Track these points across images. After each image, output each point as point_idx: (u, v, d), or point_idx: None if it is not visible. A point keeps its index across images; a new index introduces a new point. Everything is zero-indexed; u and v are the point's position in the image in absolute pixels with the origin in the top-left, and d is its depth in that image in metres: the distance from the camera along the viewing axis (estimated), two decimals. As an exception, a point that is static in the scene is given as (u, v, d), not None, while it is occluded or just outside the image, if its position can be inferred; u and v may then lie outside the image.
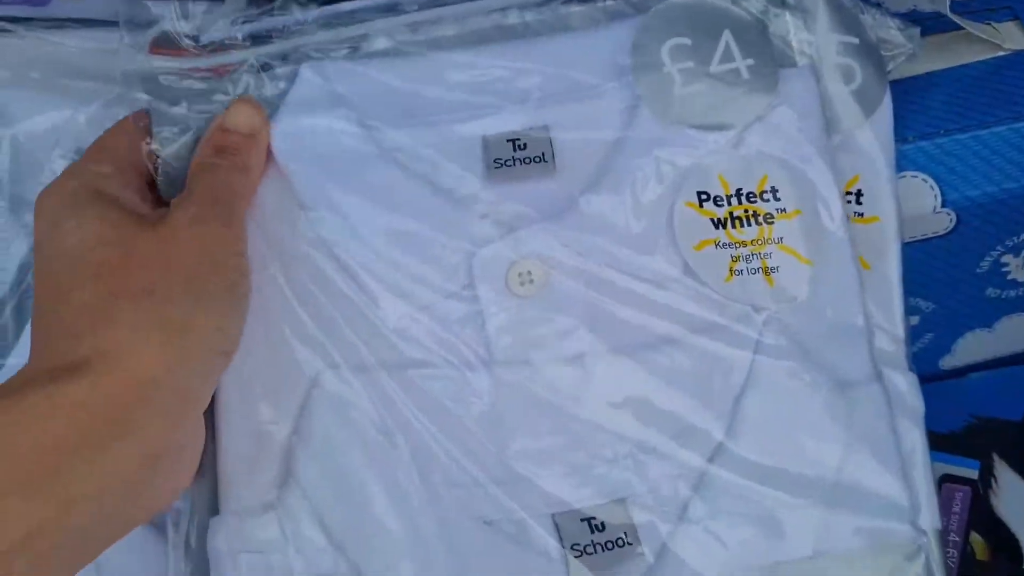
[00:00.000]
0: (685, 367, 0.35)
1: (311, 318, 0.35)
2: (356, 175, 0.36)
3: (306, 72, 0.37)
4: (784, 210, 0.36)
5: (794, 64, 0.38)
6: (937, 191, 0.42)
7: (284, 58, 0.37)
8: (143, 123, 0.36)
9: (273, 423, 0.35)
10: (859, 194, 0.38)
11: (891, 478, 0.35)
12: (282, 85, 0.37)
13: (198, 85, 0.37)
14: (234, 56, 0.37)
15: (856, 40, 0.39)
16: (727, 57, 0.37)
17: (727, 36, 0.37)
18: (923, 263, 0.45)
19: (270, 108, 0.37)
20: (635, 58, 0.37)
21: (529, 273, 0.35)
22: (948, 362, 0.51)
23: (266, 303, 0.35)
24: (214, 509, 0.35)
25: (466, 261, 0.36)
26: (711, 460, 0.35)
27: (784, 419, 0.35)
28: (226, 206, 0.34)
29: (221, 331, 0.32)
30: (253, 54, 0.37)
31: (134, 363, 0.29)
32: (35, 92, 0.41)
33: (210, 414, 0.35)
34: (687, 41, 0.37)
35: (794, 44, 0.38)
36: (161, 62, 0.37)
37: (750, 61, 0.37)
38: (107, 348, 0.29)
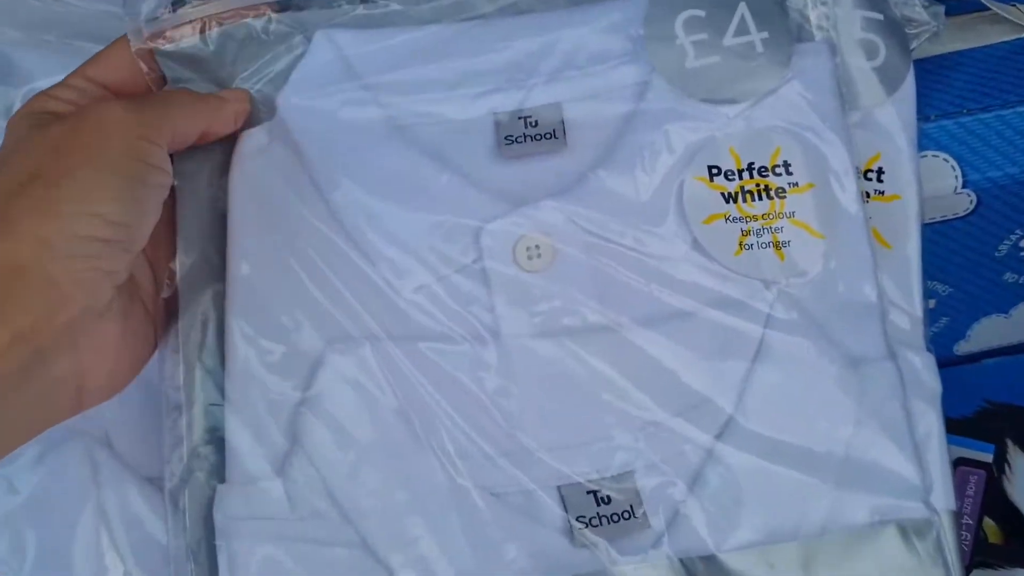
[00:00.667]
0: (694, 341, 0.35)
1: (320, 290, 0.35)
2: (367, 149, 0.36)
3: (320, 40, 0.37)
4: (796, 184, 0.36)
5: (811, 38, 0.38)
6: (958, 171, 0.42)
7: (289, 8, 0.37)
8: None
9: (281, 393, 0.35)
10: (880, 172, 0.38)
11: (902, 456, 0.35)
12: (298, 53, 0.37)
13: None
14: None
15: (880, 16, 0.39)
16: (742, 30, 0.37)
17: (742, 8, 0.37)
18: (941, 245, 0.45)
19: (282, 78, 0.37)
20: (648, 29, 0.37)
21: (537, 247, 0.35)
22: (963, 347, 0.51)
23: (276, 275, 0.35)
24: (221, 477, 0.35)
25: (475, 236, 0.36)
26: (720, 434, 0.35)
27: (794, 394, 0.35)
28: (154, 109, 0.34)
29: (97, 217, 0.31)
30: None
31: (4, 249, 0.29)
32: (47, 53, 0.41)
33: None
34: (701, 13, 0.37)
35: (812, 18, 0.38)
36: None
37: (765, 34, 0.37)
38: None
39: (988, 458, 0.47)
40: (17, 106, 0.41)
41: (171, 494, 0.35)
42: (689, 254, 0.36)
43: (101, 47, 0.38)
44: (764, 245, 0.36)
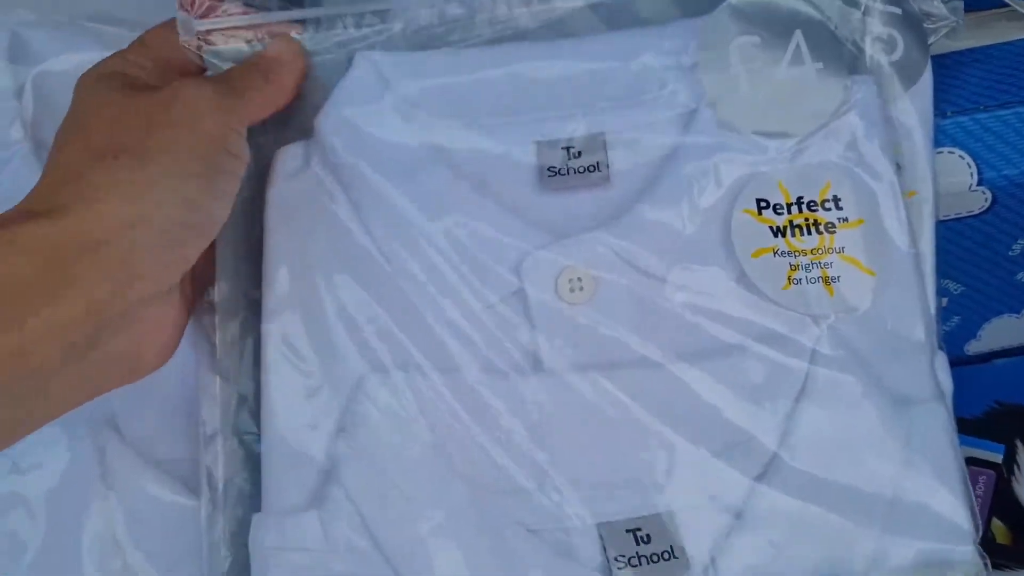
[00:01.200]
0: (738, 377, 0.35)
1: (358, 316, 0.35)
2: (407, 174, 0.36)
3: (360, 61, 0.36)
4: (846, 219, 0.36)
5: (865, 70, 0.37)
6: (974, 168, 0.42)
7: (320, 24, 0.37)
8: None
9: (317, 422, 0.35)
10: (896, 167, 0.38)
11: (953, 499, 0.35)
12: (331, 73, 0.37)
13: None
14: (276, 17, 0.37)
15: (899, 10, 0.38)
16: (797, 59, 0.36)
17: (798, 37, 0.36)
18: (955, 243, 0.44)
19: (323, 94, 0.36)
20: (702, 54, 0.36)
21: (579, 280, 0.35)
22: (974, 347, 0.50)
23: (313, 301, 0.35)
24: (257, 506, 0.35)
25: (516, 266, 0.35)
26: (762, 474, 0.34)
27: (840, 433, 0.35)
28: (237, 93, 0.34)
29: (184, 201, 0.31)
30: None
31: (87, 219, 0.30)
32: (59, 33, 0.41)
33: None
34: (756, 39, 0.36)
35: (867, 48, 0.38)
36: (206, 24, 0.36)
37: (819, 65, 0.36)
38: (66, 203, 0.30)
39: (998, 458, 0.47)
40: (29, 87, 0.41)
41: (208, 520, 0.36)
42: (735, 289, 0.35)
43: (113, 28, 0.38)
44: (813, 280, 0.35)
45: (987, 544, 0.45)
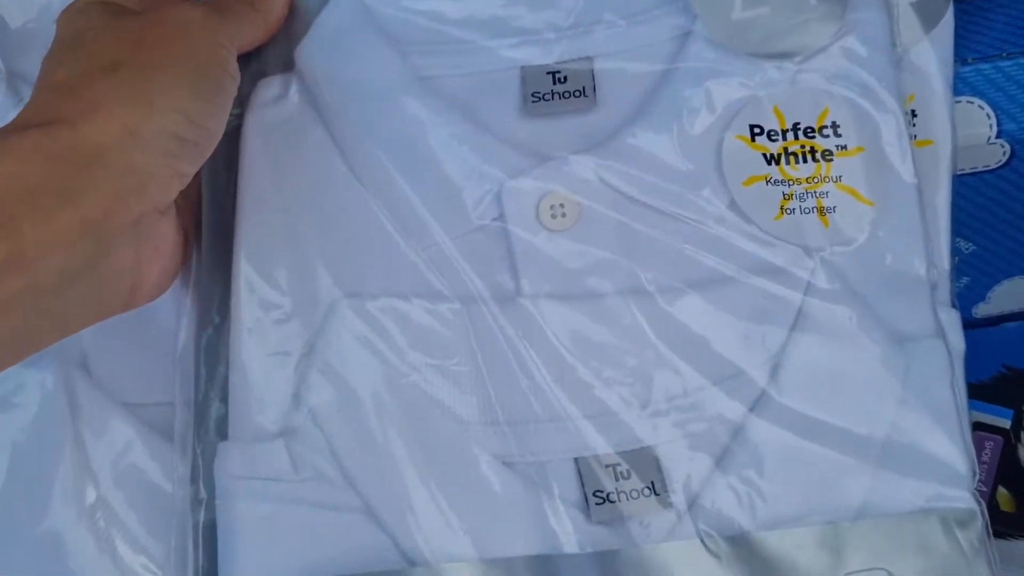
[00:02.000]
0: (727, 307, 0.34)
1: (333, 243, 0.34)
2: (388, 101, 0.35)
3: None
4: (845, 147, 0.35)
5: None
6: (993, 119, 0.40)
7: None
8: None
9: (287, 349, 0.34)
10: (913, 114, 0.37)
11: (949, 441, 0.34)
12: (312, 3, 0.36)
13: None
14: None
15: (920, -55, 0.36)
16: None
17: None
18: (969, 199, 0.43)
19: (303, 25, 0.36)
20: None
21: (562, 206, 0.34)
22: (983, 310, 0.49)
23: (286, 226, 0.35)
24: (223, 434, 0.34)
25: (496, 192, 0.35)
26: (751, 409, 0.33)
27: (833, 369, 0.34)
28: (225, 18, 0.34)
29: (181, 113, 0.31)
30: None
31: (83, 132, 0.29)
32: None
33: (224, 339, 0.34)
34: None
35: None
36: None
37: None
38: (63, 116, 0.29)
39: (1006, 424, 0.45)
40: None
41: (180, 443, 0.35)
42: (726, 216, 0.34)
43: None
44: (807, 210, 0.34)
45: (991, 512, 0.44)
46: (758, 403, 0.33)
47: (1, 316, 0.28)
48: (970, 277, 0.47)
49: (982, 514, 0.33)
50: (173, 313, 0.36)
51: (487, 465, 0.33)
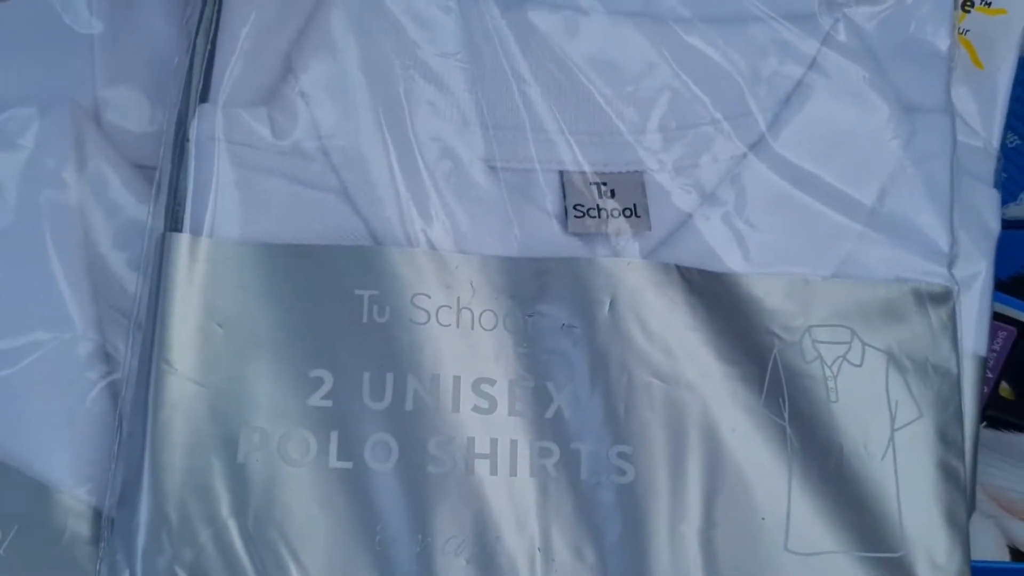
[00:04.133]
0: (743, 43, 0.34)
1: None
2: None
3: None
4: None
5: None
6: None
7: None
8: None
9: (281, 20, 0.33)
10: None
11: (937, 217, 0.34)
12: None
13: None
14: None
15: None
16: None
17: None
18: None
19: None
20: None
21: None
22: (1011, 211, 0.48)
23: None
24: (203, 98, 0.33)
25: None
26: (746, 153, 0.34)
27: (836, 125, 0.34)
28: None
29: None
30: None
31: None
32: None
33: None
34: None
35: None
36: None
37: None
38: None
39: (1022, 316, 0.45)
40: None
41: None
42: None
43: None
44: None
45: (991, 397, 0.44)
46: (755, 146, 0.34)
47: None
48: (1007, 175, 0.46)
49: (955, 293, 0.34)
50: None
51: (470, 164, 0.33)
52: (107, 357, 0.34)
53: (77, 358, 0.34)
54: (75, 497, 0.33)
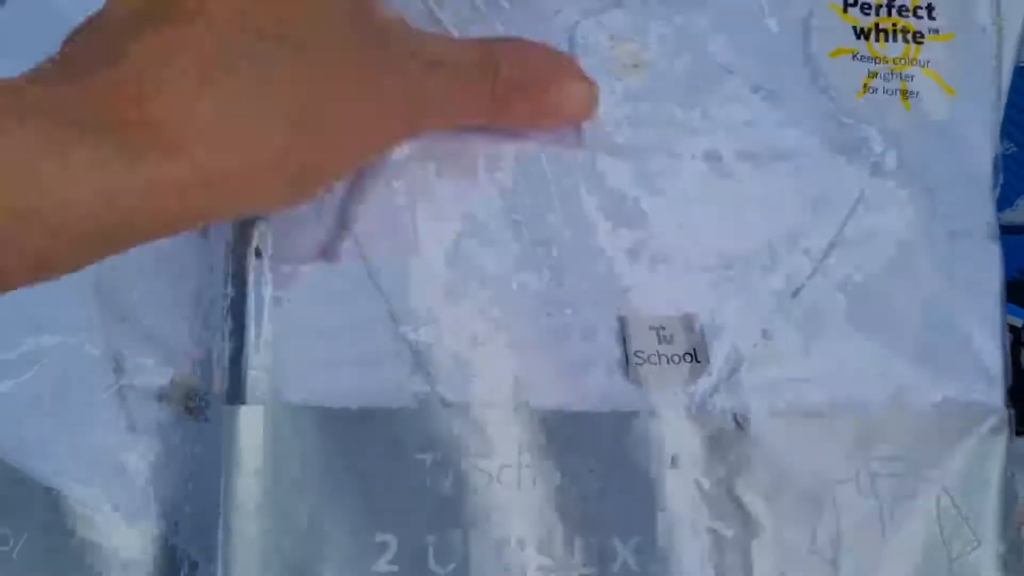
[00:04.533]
0: (795, 177, 0.34)
1: None
2: None
3: None
4: (937, 31, 0.35)
5: None
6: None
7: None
8: None
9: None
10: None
11: (986, 341, 0.34)
12: None
13: None
14: None
15: None
16: None
17: None
18: (1021, 94, 0.42)
19: None
20: None
21: (637, 57, 0.34)
22: (1007, 217, 0.49)
23: None
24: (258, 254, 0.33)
25: (566, 36, 0.34)
26: (799, 288, 0.34)
27: (884, 253, 0.34)
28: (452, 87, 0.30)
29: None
30: None
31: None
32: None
33: None
34: None
35: None
36: None
37: None
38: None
39: (1018, 322, 0.46)
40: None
41: None
42: (808, 87, 0.34)
43: None
44: (891, 91, 0.34)
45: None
46: (808, 280, 0.34)
47: None
48: (1004, 179, 0.47)
49: (1010, 419, 0.34)
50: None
51: (529, 316, 0.33)
52: (115, 362, 0.34)
53: (85, 363, 0.34)
54: (83, 503, 0.33)
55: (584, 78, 0.32)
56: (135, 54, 0.24)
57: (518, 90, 0.31)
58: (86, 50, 0.25)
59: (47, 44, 0.25)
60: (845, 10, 0.34)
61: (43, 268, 0.25)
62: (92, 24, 0.26)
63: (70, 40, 0.26)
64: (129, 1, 0.25)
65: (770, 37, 0.34)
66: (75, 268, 0.26)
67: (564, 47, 0.34)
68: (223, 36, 0.25)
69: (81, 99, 0.23)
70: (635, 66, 0.34)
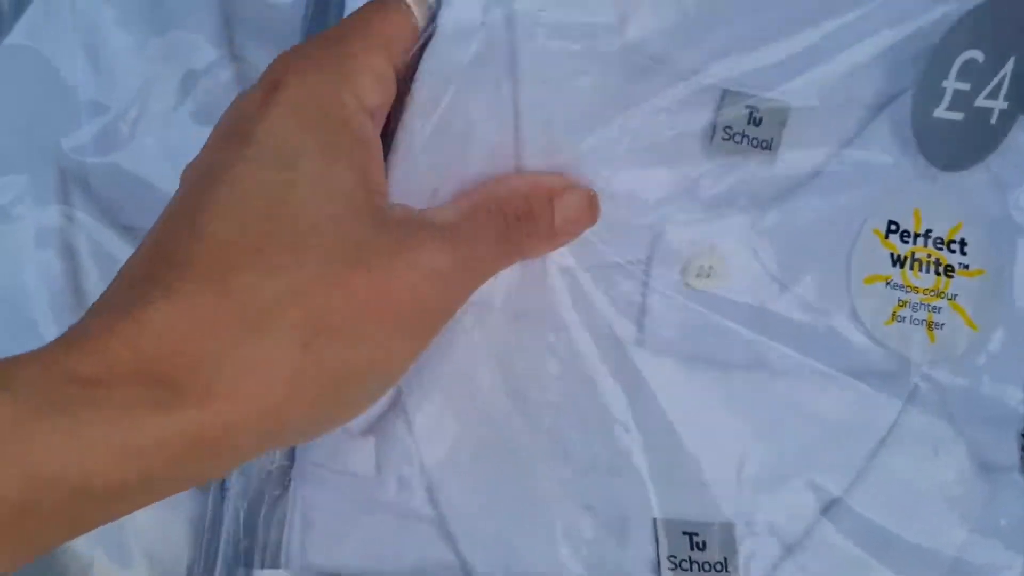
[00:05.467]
0: (827, 404, 0.34)
1: None
2: (573, 80, 0.32)
3: None
4: (967, 267, 0.35)
5: None
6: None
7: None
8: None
9: None
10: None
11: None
12: None
13: None
14: None
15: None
16: (994, 92, 0.34)
17: (1009, 65, 0.34)
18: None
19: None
20: (925, 67, 0.34)
21: (710, 267, 0.34)
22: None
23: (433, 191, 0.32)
24: None
25: (649, 236, 0.34)
26: (827, 509, 0.34)
27: (916, 485, 0.35)
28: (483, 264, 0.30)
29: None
30: None
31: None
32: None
33: None
34: (979, 56, 0.34)
35: None
36: None
37: (1005, 104, 0.34)
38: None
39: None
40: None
41: None
42: (841, 311, 0.35)
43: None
44: (917, 322, 0.35)
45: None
46: (834, 506, 0.34)
47: None
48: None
49: None
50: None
51: (570, 506, 0.33)
52: None
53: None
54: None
55: (576, 186, 0.32)
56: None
57: (528, 222, 0.31)
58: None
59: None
60: (887, 236, 0.35)
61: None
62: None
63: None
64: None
65: (821, 257, 0.35)
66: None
67: None
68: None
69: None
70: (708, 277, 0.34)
